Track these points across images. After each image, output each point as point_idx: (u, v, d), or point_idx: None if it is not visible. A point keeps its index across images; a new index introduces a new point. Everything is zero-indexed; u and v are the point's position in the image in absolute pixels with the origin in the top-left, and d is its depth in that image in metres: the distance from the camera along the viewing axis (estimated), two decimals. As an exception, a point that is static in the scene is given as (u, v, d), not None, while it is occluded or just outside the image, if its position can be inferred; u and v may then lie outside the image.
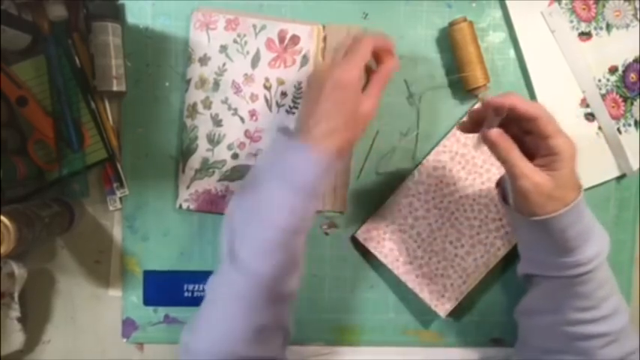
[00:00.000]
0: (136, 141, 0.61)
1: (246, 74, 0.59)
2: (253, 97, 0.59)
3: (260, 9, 0.60)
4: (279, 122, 0.59)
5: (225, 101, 0.60)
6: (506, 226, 0.60)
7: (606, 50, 0.60)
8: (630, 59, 0.60)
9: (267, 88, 0.59)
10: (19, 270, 0.58)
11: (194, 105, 0.59)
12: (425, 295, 0.61)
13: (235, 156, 0.60)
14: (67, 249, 0.62)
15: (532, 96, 0.61)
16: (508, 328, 0.62)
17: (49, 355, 0.63)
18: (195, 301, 0.62)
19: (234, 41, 0.59)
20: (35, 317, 0.62)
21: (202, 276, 0.62)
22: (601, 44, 0.60)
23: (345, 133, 0.46)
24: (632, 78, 0.60)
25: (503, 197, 0.51)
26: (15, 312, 0.59)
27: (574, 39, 0.60)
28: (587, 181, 0.62)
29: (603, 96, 0.60)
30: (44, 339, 0.63)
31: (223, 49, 0.59)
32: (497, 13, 0.61)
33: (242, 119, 0.60)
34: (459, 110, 0.61)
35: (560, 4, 0.60)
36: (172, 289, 0.62)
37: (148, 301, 0.62)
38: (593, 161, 0.61)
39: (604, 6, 0.60)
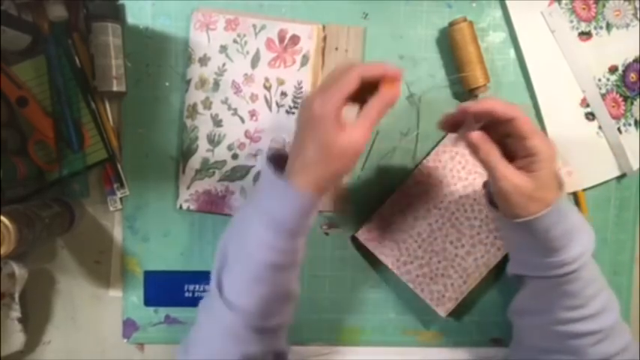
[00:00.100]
0: (136, 141, 0.61)
1: (246, 74, 0.59)
2: (253, 97, 0.59)
3: (260, 9, 0.60)
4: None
5: (225, 101, 0.60)
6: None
7: (606, 50, 0.60)
8: (630, 59, 0.60)
9: (267, 88, 0.59)
10: (19, 270, 0.58)
11: (194, 105, 0.59)
12: (425, 295, 0.61)
13: (235, 156, 0.60)
14: (68, 249, 0.62)
15: (532, 96, 0.61)
16: (508, 328, 0.62)
17: (50, 355, 0.63)
18: (196, 302, 0.61)
19: (234, 41, 0.59)
20: (36, 318, 0.62)
21: (203, 276, 0.62)
22: (601, 44, 0.60)
23: (321, 168, 0.43)
24: (632, 78, 0.60)
25: (490, 199, 0.51)
26: (15, 312, 0.59)
27: (574, 39, 0.60)
28: (587, 181, 0.62)
29: (603, 96, 0.60)
30: (45, 339, 0.63)
31: (223, 49, 0.59)
32: (497, 13, 0.61)
33: (242, 119, 0.60)
34: (459, 110, 0.61)
35: (560, 4, 0.60)
36: (173, 290, 0.62)
37: (148, 301, 0.62)
38: (593, 161, 0.61)
39: (604, 6, 0.60)
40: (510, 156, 0.45)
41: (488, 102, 0.44)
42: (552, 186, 0.45)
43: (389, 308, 0.64)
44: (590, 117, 0.61)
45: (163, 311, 0.63)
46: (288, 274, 0.47)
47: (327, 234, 0.62)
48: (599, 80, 0.60)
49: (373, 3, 0.60)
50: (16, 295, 0.59)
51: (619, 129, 0.60)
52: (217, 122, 0.60)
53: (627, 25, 0.60)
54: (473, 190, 0.60)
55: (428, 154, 0.61)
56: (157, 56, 0.60)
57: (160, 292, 0.62)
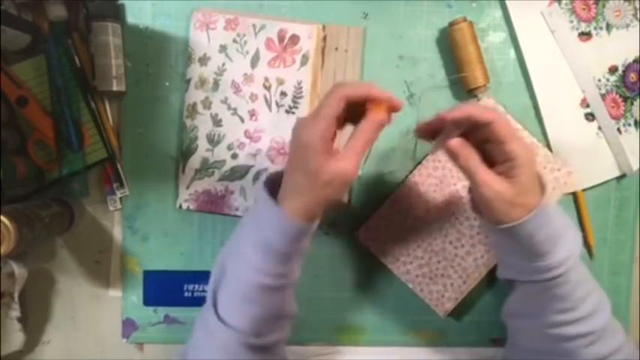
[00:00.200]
0: (136, 141, 0.61)
1: (245, 74, 0.59)
2: (253, 97, 0.59)
3: (260, 9, 0.60)
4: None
5: (224, 101, 0.60)
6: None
7: (606, 50, 0.60)
8: (630, 59, 0.60)
9: (267, 87, 0.59)
10: (19, 270, 0.58)
11: (194, 105, 0.59)
12: (425, 295, 0.61)
13: (235, 156, 0.60)
14: (67, 249, 0.62)
15: (532, 96, 0.61)
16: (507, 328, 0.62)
17: (49, 355, 0.63)
18: (196, 302, 0.62)
19: (234, 41, 0.59)
20: (35, 317, 0.62)
21: (202, 276, 0.62)
22: (601, 44, 0.60)
23: (308, 196, 0.43)
24: (632, 78, 0.60)
25: (474, 205, 0.50)
26: (15, 312, 0.59)
27: (574, 39, 0.60)
28: (587, 181, 0.62)
29: (603, 96, 0.60)
30: (44, 339, 0.63)
31: (223, 49, 0.59)
32: (497, 13, 0.61)
33: (242, 119, 0.60)
34: (459, 110, 0.61)
35: (560, 4, 0.60)
36: (172, 289, 0.62)
37: (148, 301, 0.62)
38: (593, 161, 0.61)
39: (604, 6, 0.60)
40: (490, 162, 0.45)
41: (465, 107, 0.43)
42: (534, 190, 0.44)
43: (389, 308, 0.64)
44: (590, 117, 0.61)
45: (163, 311, 0.63)
46: (280, 295, 0.47)
47: (327, 234, 0.62)
48: (599, 80, 0.60)
49: (373, 3, 0.60)
50: (16, 295, 0.59)
51: (619, 129, 0.60)
52: (217, 122, 0.60)
53: (627, 26, 0.60)
54: (473, 190, 0.60)
55: (428, 154, 0.61)
56: (157, 56, 0.60)
57: (160, 291, 0.62)
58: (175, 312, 0.63)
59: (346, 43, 0.60)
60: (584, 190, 0.62)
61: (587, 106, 0.61)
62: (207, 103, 0.60)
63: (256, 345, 0.46)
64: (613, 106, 0.60)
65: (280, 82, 0.59)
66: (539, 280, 0.46)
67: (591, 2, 0.60)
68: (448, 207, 0.60)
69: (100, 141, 0.59)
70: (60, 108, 0.58)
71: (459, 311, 0.62)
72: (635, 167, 0.61)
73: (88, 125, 0.59)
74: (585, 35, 0.60)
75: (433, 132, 0.47)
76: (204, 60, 0.59)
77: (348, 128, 0.46)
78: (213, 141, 0.60)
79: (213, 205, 0.60)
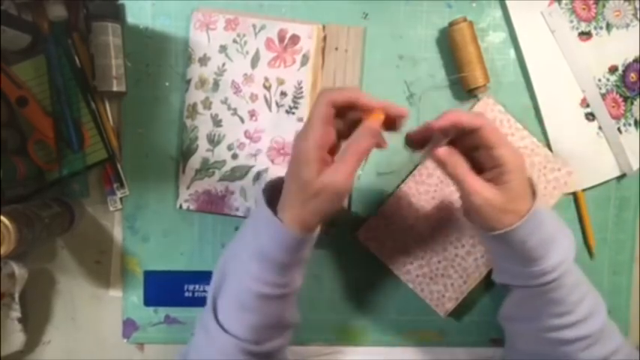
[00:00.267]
0: (136, 141, 0.61)
1: (245, 74, 0.59)
2: (253, 97, 0.59)
3: (260, 9, 0.60)
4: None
5: (224, 101, 0.60)
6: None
7: (606, 50, 0.60)
8: (630, 59, 0.60)
9: (267, 87, 0.59)
10: (19, 270, 0.58)
11: (194, 105, 0.59)
12: (425, 295, 0.61)
13: (235, 156, 0.60)
14: (68, 249, 0.62)
15: (532, 96, 0.61)
16: (508, 328, 0.62)
17: (50, 355, 0.63)
18: (196, 302, 0.62)
19: (234, 41, 0.59)
20: (35, 318, 0.62)
21: (203, 276, 0.62)
22: (601, 44, 0.60)
23: (302, 207, 0.42)
24: (632, 78, 0.60)
25: (466, 211, 0.50)
26: (15, 312, 0.59)
27: (574, 39, 0.60)
28: (587, 181, 0.62)
29: (603, 96, 0.60)
30: (44, 339, 0.63)
31: (223, 49, 0.59)
32: (497, 13, 0.61)
33: (242, 119, 0.60)
34: (459, 110, 0.61)
35: (560, 4, 0.60)
36: (173, 290, 0.62)
37: (148, 301, 0.62)
38: (593, 161, 0.61)
39: (604, 6, 0.60)
40: (480, 168, 0.44)
41: (452, 114, 0.43)
42: (525, 196, 0.44)
43: (389, 308, 0.64)
44: (590, 117, 0.61)
45: (163, 311, 0.63)
46: (279, 303, 0.46)
47: (327, 234, 0.62)
48: (599, 80, 0.60)
49: (373, 3, 0.60)
50: (16, 295, 0.59)
51: (619, 129, 0.60)
52: (217, 122, 0.60)
53: (627, 25, 0.60)
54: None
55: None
56: (157, 56, 0.60)
57: (160, 292, 0.62)
58: (176, 312, 0.63)
59: (346, 43, 0.60)
60: (584, 190, 0.62)
61: (587, 106, 0.61)
62: (207, 104, 0.59)
63: (255, 352, 0.46)
64: (613, 106, 0.60)
65: (280, 82, 0.59)
66: (534, 285, 0.46)
67: (591, 2, 0.60)
68: (449, 207, 0.60)
69: (100, 141, 0.59)
70: (60, 108, 0.58)
71: (459, 311, 0.62)
72: (635, 167, 0.61)
73: (88, 125, 0.59)
74: (585, 35, 0.60)
75: (422, 141, 0.46)
76: (204, 60, 0.59)
77: None
78: (214, 141, 0.60)
79: (214, 205, 0.60)
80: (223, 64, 0.59)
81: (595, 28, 0.60)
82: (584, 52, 0.60)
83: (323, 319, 0.63)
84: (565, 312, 0.46)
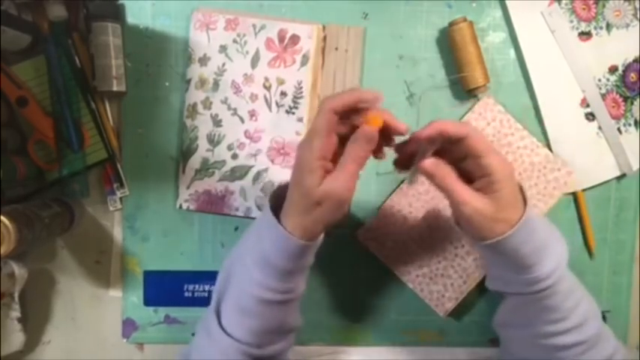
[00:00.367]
0: (136, 141, 0.61)
1: (245, 74, 0.59)
2: (253, 97, 0.59)
3: (260, 9, 0.60)
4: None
5: (224, 101, 0.60)
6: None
7: (606, 50, 0.60)
8: (630, 59, 0.60)
9: (267, 87, 0.59)
10: (19, 270, 0.58)
11: (194, 105, 0.59)
12: (425, 295, 0.61)
13: (235, 156, 0.60)
14: (68, 249, 0.62)
15: (532, 96, 0.61)
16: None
17: (50, 355, 0.63)
18: (196, 302, 0.62)
19: (234, 41, 0.59)
20: (35, 318, 0.62)
21: (202, 276, 0.62)
22: (601, 44, 0.60)
23: (304, 214, 0.42)
24: (632, 78, 0.60)
25: (458, 221, 0.49)
26: (15, 312, 0.59)
27: (574, 39, 0.60)
28: (587, 181, 0.62)
29: (603, 96, 0.60)
30: (44, 339, 0.63)
31: (223, 49, 0.59)
32: (497, 13, 0.61)
33: (242, 119, 0.60)
34: (459, 110, 0.61)
35: (560, 4, 0.60)
36: (172, 290, 0.62)
37: (148, 301, 0.62)
38: (593, 161, 0.61)
39: (604, 6, 0.60)
40: (469, 178, 0.44)
41: (438, 123, 0.43)
42: (515, 204, 0.43)
43: (389, 308, 0.64)
44: (590, 117, 0.61)
45: (163, 311, 0.63)
46: (282, 309, 0.46)
47: (328, 236, 0.62)
48: (599, 80, 0.60)
49: (373, 3, 0.60)
50: (16, 295, 0.59)
51: (619, 129, 0.60)
52: (217, 122, 0.60)
53: (627, 25, 0.60)
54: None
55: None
56: (157, 56, 0.60)
57: (160, 292, 0.62)
58: (175, 312, 0.63)
59: (346, 43, 0.60)
60: (584, 190, 0.62)
61: (587, 106, 0.61)
62: (207, 104, 0.60)
63: (257, 355, 0.46)
64: (613, 106, 0.60)
65: (280, 82, 0.59)
66: (528, 293, 0.45)
67: (591, 2, 0.60)
68: (448, 207, 0.60)
69: (100, 141, 0.59)
70: (60, 108, 0.58)
71: (459, 311, 0.62)
72: (635, 167, 0.61)
73: (88, 125, 0.59)
74: (585, 35, 0.60)
75: (410, 158, 0.46)
76: (204, 60, 0.59)
77: None
78: (214, 141, 0.60)
79: (214, 205, 0.60)
80: (223, 64, 0.59)
81: (595, 28, 0.60)
82: (584, 52, 0.60)
83: (323, 319, 0.63)
84: (560, 318, 0.45)
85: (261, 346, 0.46)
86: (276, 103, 0.60)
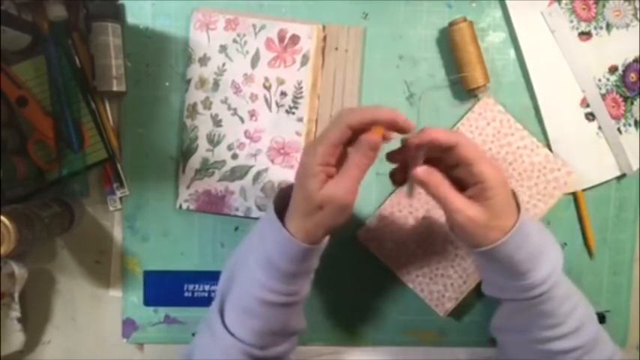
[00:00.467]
0: (136, 141, 0.61)
1: (245, 74, 0.59)
2: (253, 97, 0.59)
3: (260, 9, 0.60)
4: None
5: (224, 101, 0.60)
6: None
7: (606, 50, 0.60)
8: (630, 59, 0.60)
9: (267, 87, 0.59)
10: (19, 270, 0.58)
11: (194, 105, 0.59)
12: (425, 295, 0.61)
13: (235, 156, 0.60)
14: (68, 249, 0.62)
15: (532, 96, 0.61)
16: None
17: (50, 355, 0.63)
18: (196, 302, 0.62)
19: (234, 41, 0.59)
20: (35, 317, 0.62)
21: (202, 276, 0.62)
22: (601, 44, 0.60)
23: (306, 218, 0.43)
24: (632, 78, 0.60)
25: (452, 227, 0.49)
26: (15, 312, 0.59)
27: (574, 39, 0.60)
28: (587, 181, 0.62)
29: (603, 96, 0.60)
30: (44, 339, 0.63)
31: (223, 49, 0.59)
32: (497, 13, 0.61)
33: (242, 119, 0.60)
34: (459, 110, 0.61)
35: (560, 4, 0.60)
36: (172, 290, 0.62)
37: (148, 301, 0.62)
38: (593, 161, 0.61)
39: (604, 6, 0.60)
40: (462, 185, 0.44)
41: (429, 131, 0.43)
42: (509, 211, 0.43)
43: (389, 308, 0.64)
44: (590, 117, 0.61)
45: (163, 311, 0.63)
46: (285, 311, 0.46)
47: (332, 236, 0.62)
48: (599, 80, 0.60)
49: (373, 3, 0.60)
50: (16, 295, 0.59)
51: (619, 129, 0.60)
52: (217, 122, 0.60)
53: (627, 25, 0.60)
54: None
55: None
56: (157, 56, 0.60)
57: (160, 292, 0.62)
58: (175, 312, 0.63)
59: (346, 43, 0.60)
60: (584, 190, 0.62)
61: (587, 106, 0.61)
62: (207, 104, 0.60)
63: (260, 356, 0.46)
64: (613, 106, 0.60)
65: (280, 82, 0.59)
66: (524, 298, 0.45)
67: (591, 2, 0.60)
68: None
69: (100, 141, 0.59)
70: (60, 108, 0.58)
71: (459, 311, 0.62)
72: (635, 167, 0.61)
73: (88, 125, 0.59)
74: (585, 35, 0.60)
75: (403, 168, 0.46)
76: (204, 60, 0.59)
77: None
78: (214, 141, 0.60)
79: (214, 205, 0.60)
80: (223, 64, 0.59)
81: (595, 28, 0.60)
82: (584, 52, 0.60)
83: (323, 319, 0.63)
84: (556, 324, 0.45)
85: (264, 348, 0.46)
86: (276, 103, 0.60)
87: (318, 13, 0.60)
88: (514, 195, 0.45)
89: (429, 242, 0.60)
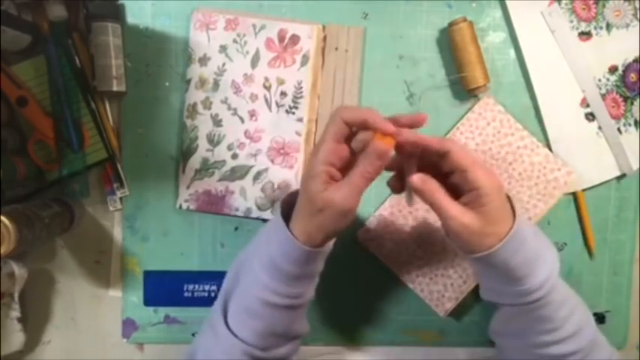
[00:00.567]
0: (136, 141, 0.61)
1: (245, 74, 0.59)
2: (253, 97, 0.59)
3: (260, 9, 0.60)
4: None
5: (224, 101, 0.60)
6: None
7: (606, 50, 0.60)
8: (630, 59, 0.60)
9: (267, 87, 0.59)
10: (19, 270, 0.58)
11: (194, 105, 0.59)
12: (425, 295, 0.61)
13: (235, 156, 0.60)
14: (67, 249, 0.62)
15: (532, 96, 0.61)
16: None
17: (50, 355, 0.63)
18: (196, 302, 0.62)
19: (234, 41, 0.59)
20: (35, 317, 0.62)
21: (202, 276, 0.62)
22: (601, 44, 0.60)
23: (308, 221, 0.43)
24: (632, 78, 0.60)
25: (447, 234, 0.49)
26: (15, 312, 0.59)
27: (574, 39, 0.60)
28: (587, 181, 0.62)
29: (603, 96, 0.60)
30: (44, 339, 0.63)
31: (223, 49, 0.59)
32: (497, 13, 0.61)
33: (242, 119, 0.60)
34: (459, 110, 0.61)
35: (560, 4, 0.60)
36: (172, 290, 0.62)
37: (148, 301, 0.62)
38: (593, 161, 0.61)
39: (604, 6, 0.60)
40: (457, 192, 0.44)
41: (423, 137, 0.43)
42: (504, 217, 0.43)
43: (389, 308, 0.63)
44: (590, 117, 0.61)
45: (163, 311, 0.63)
46: (288, 313, 0.46)
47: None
48: (599, 80, 0.60)
49: (373, 3, 0.60)
50: (16, 295, 0.59)
51: (619, 129, 0.60)
52: (217, 122, 0.60)
53: (627, 25, 0.60)
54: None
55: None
56: (157, 56, 0.60)
57: (160, 292, 0.62)
58: (175, 312, 0.63)
59: (346, 43, 0.60)
60: (584, 190, 0.62)
61: (587, 106, 0.61)
62: (207, 104, 0.60)
63: (262, 358, 0.46)
64: (613, 106, 0.60)
65: (280, 82, 0.59)
66: (521, 304, 0.45)
67: (591, 2, 0.60)
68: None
69: (100, 141, 0.59)
70: (60, 108, 0.58)
71: (459, 311, 0.62)
72: (635, 167, 0.61)
73: (88, 125, 0.59)
74: (585, 35, 0.60)
75: (399, 174, 0.46)
76: (204, 60, 0.59)
77: None
78: (214, 141, 0.60)
79: (214, 205, 0.60)
80: (223, 64, 0.59)
81: (595, 28, 0.60)
82: (584, 52, 0.60)
83: (323, 319, 0.63)
84: (554, 328, 0.45)
85: (266, 349, 0.46)
86: (276, 103, 0.60)
87: (318, 13, 0.60)
88: (509, 200, 0.45)
89: (429, 242, 0.60)
